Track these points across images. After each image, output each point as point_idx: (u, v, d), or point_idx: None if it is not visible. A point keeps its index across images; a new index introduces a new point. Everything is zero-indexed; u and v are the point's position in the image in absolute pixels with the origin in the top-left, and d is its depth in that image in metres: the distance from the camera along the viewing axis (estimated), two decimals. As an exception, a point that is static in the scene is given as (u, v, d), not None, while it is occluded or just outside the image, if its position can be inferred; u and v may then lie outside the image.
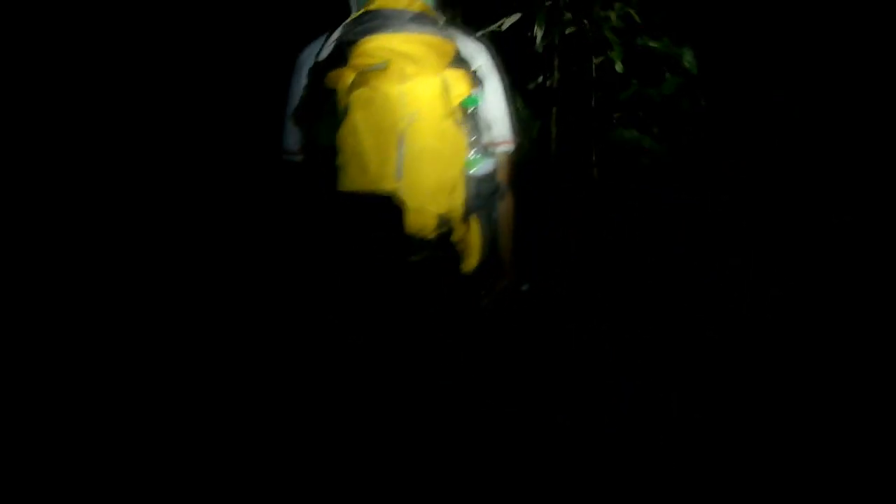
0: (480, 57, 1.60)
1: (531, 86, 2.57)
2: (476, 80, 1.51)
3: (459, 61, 1.49)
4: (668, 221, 2.55)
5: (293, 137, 1.58)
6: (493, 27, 2.39)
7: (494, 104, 1.60)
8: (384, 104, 1.41)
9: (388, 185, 1.41)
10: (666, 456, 2.07)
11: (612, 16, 2.42)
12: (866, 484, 1.93)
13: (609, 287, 2.52)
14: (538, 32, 2.40)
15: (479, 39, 1.64)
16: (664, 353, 2.38)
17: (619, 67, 2.37)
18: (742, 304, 2.47)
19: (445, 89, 1.45)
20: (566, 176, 2.58)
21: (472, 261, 1.55)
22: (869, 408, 2.14)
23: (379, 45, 1.43)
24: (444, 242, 1.47)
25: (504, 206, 1.64)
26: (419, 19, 1.48)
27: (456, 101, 1.46)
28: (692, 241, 2.54)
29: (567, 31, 2.45)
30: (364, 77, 1.41)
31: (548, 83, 2.56)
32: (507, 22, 2.43)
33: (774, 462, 2.03)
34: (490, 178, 1.56)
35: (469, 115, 1.48)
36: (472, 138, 1.49)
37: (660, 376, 2.32)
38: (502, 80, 1.64)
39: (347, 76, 1.43)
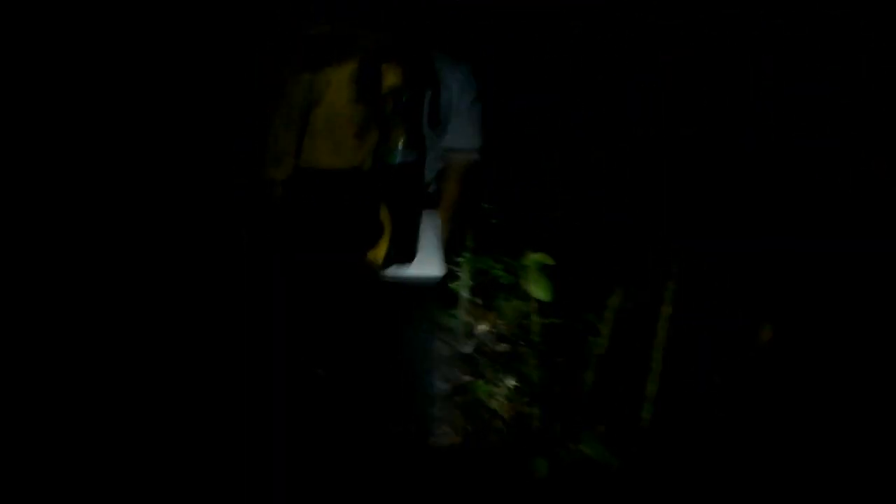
0: (451, 70, 1.65)
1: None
2: (415, 76, 1.54)
3: (399, 56, 1.53)
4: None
5: None
6: None
7: (463, 114, 1.66)
8: (295, 89, 1.51)
9: (288, 163, 1.51)
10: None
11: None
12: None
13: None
14: None
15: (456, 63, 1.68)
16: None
17: None
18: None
19: (363, 76, 1.49)
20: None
21: (379, 252, 1.58)
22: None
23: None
24: (343, 223, 1.52)
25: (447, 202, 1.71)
26: None
27: (385, 89, 1.51)
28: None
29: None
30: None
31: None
32: None
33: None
34: (412, 172, 1.57)
35: (402, 107, 1.52)
36: (407, 130, 1.53)
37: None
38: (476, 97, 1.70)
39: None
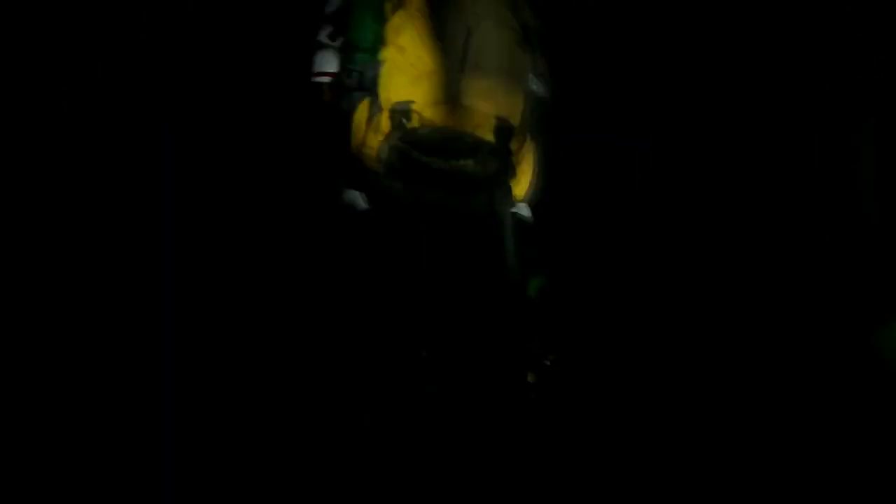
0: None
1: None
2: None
3: None
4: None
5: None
6: None
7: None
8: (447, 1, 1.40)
9: (450, 74, 1.37)
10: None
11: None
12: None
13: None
14: None
15: None
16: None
17: None
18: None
19: (513, 5, 1.45)
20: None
21: (522, 186, 1.48)
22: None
23: None
24: (499, 147, 1.40)
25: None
26: None
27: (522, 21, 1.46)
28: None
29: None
30: None
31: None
32: None
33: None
34: (543, 104, 1.49)
35: (535, 39, 1.47)
36: (534, 63, 1.47)
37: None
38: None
39: None
